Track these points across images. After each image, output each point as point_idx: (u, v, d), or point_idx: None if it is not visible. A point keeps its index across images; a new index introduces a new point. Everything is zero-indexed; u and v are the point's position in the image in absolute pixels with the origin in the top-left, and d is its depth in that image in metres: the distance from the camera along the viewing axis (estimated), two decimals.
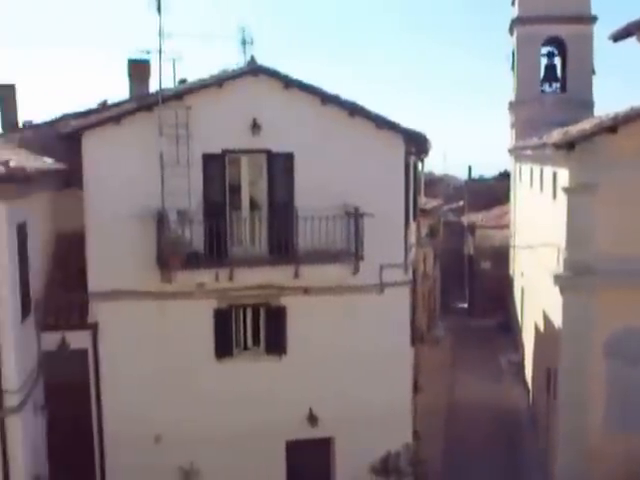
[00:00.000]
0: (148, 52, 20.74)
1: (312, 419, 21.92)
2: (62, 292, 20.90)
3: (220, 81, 20.87)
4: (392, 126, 21.55)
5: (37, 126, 26.25)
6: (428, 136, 22.73)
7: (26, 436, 17.20)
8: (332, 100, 21.26)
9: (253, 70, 20.93)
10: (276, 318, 21.68)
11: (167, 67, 20.91)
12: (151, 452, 21.09)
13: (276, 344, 21.80)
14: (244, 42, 21.81)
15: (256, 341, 21.91)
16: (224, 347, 21.48)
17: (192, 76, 22.93)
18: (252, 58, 21.14)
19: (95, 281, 20.60)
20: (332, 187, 21.12)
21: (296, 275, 20.51)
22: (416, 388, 24.69)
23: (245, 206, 21.20)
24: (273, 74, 20.96)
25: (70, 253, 21.93)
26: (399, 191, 21.99)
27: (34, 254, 19.04)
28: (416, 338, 25.80)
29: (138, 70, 24.46)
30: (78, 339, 20.51)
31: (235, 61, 21.74)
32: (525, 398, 32.92)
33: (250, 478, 21.62)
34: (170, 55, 20.53)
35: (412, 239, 24.51)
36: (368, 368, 22.12)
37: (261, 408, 21.59)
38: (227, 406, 21.46)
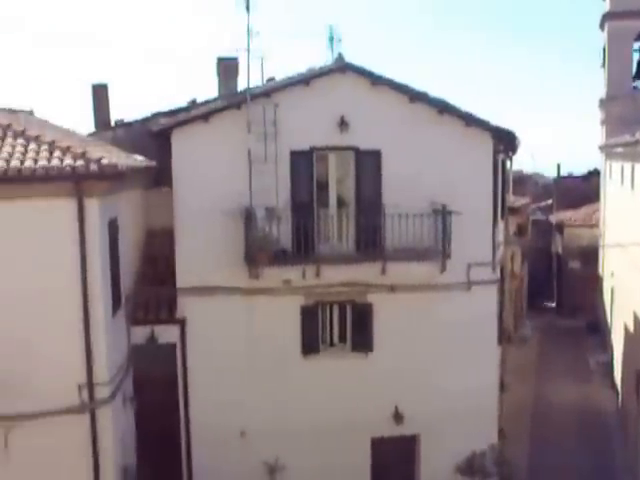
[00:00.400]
0: (237, 50, 20.95)
1: (398, 416, 21.84)
2: (152, 287, 21.26)
3: (308, 79, 20.93)
4: (481, 124, 21.34)
5: (129, 124, 26.76)
6: (517, 133, 22.43)
7: (115, 427, 17.52)
8: (420, 97, 21.14)
9: (341, 67, 20.93)
10: (362, 315, 21.65)
11: (255, 65, 21.04)
12: (237, 446, 21.30)
13: (362, 341, 21.77)
14: (332, 39, 21.86)
15: (342, 338, 21.93)
16: (310, 344, 21.54)
17: (280, 74, 23.06)
18: (340, 55, 21.15)
19: (183, 277, 20.88)
20: (419, 184, 20.99)
21: (383, 272, 20.46)
22: (502, 387, 24.39)
23: (332, 203, 21.23)
24: (361, 71, 20.94)
25: (160, 249, 22.28)
26: (487, 189, 21.75)
27: (125, 250, 19.38)
28: (503, 337, 25.49)
29: (227, 68, 24.69)
30: (167, 333, 20.83)
31: (323, 59, 21.82)
32: (614, 400, 32.25)
33: (335, 474, 21.63)
34: (258, 53, 20.71)
35: (500, 237, 24.21)
36: (454, 366, 21.95)
37: (347, 405, 21.60)
38: (313, 402, 21.52)
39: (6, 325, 16.15)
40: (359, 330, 21.78)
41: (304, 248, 20.32)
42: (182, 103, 25.81)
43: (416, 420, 21.89)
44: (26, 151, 16.49)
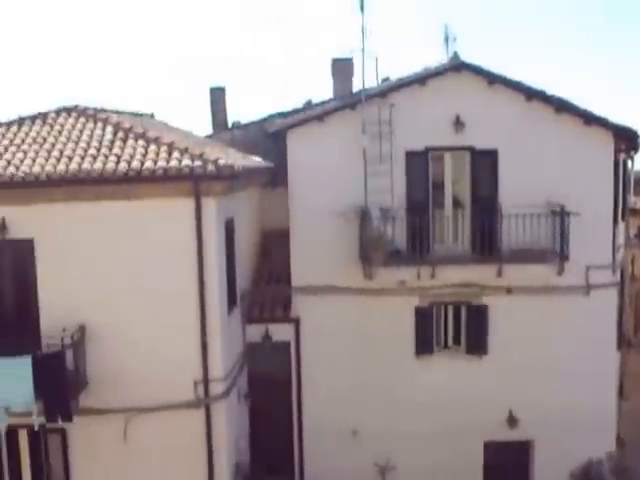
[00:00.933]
0: (351, 51, 21.02)
1: (512, 421, 21.53)
2: (267, 286, 21.53)
3: (423, 78, 20.84)
4: (601, 122, 20.83)
5: (245, 126, 27.11)
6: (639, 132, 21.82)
7: (229, 423, 17.79)
8: (538, 96, 20.79)
9: (456, 67, 20.78)
10: (477, 317, 21.42)
11: (370, 65, 21.10)
12: (348, 446, 21.36)
13: (477, 344, 21.54)
14: (447, 39, 21.73)
15: (456, 340, 21.75)
16: (424, 345, 21.43)
17: (395, 74, 23.03)
18: (455, 54, 21.00)
19: (298, 276, 21.06)
20: (537, 184, 20.64)
21: (499, 274, 20.20)
22: (621, 394, 23.76)
23: (448, 204, 21.09)
24: (476, 70, 20.73)
25: (275, 249, 22.55)
26: (607, 189, 21.22)
27: (241, 249, 19.67)
28: (622, 342, 24.81)
29: (342, 69, 24.79)
30: (281, 332, 21.06)
31: (438, 58, 21.70)
32: None
33: (446, 477, 21.45)
34: (373, 53, 20.76)
35: (620, 239, 23.60)
36: (571, 371, 21.48)
37: (459, 407, 21.41)
38: (425, 404, 21.40)
39: (128, 322, 16.63)
40: (474, 332, 21.57)
41: (419, 249, 20.23)
42: (298, 104, 26.01)
43: (530, 425, 21.53)
44: (146, 152, 16.91)
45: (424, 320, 21.36)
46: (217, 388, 17.06)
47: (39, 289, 16.63)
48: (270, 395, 21.00)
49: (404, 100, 20.64)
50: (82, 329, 16.44)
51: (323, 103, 23.93)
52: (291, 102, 32.44)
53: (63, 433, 17.03)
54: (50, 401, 15.70)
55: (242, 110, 53.12)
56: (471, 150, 20.82)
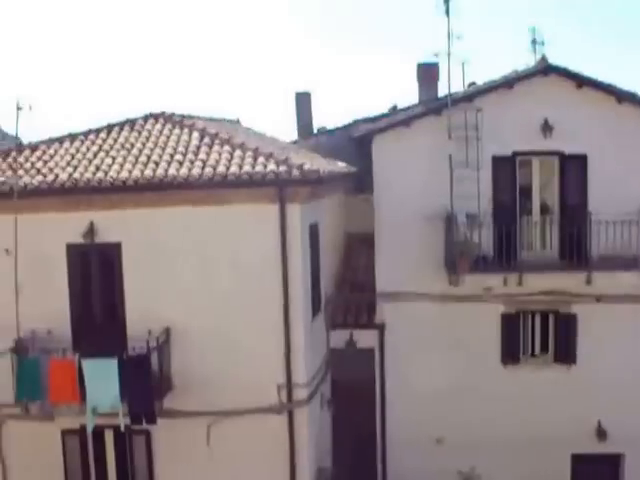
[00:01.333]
0: (437, 55, 20.86)
1: (601, 433, 21.01)
2: (351, 291, 21.48)
3: (510, 82, 20.56)
4: None
5: (330, 131, 27.16)
6: None
7: (312, 428, 17.78)
8: (629, 98, 20.29)
9: (544, 70, 20.43)
10: (566, 326, 20.98)
11: (456, 70, 20.92)
12: (432, 454, 21.08)
13: (565, 353, 21.10)
14: (534, 42, 21.42)
15: (544, 348, 21.32)
16: (511, 353, 21.10)
17: (481, 78, 22.83)
18: (543, 57, 20.69)
19: (383, 282, 20.94)
20: (628, 190, 20.13)
21: (588, 282, 19.72)
22: None
23: (536, 209, 20.73)
24: (565, 73, 20.34)
25: (359, 254, 22.50)
26: None
27: (325, 254, 19.66)
28: None
29: (427, 73, 24.67)
30: (365, 338, 20.96)
31: (525, 61, 21.40)
32: None
33: None
34: (459, 57, 20.57)
35: None
36: None
37: (547, 417, 20.95)
38: (511, 413, 21.03)
39: (212, 325, 16.79)
40: (562, 341, 21.14)
41: (505, 255, 19.92)
42: (383, 109, 25.96)
43: (620, 438, 20.95)
44: (232, 158, 17.05)
45: (510, 328, 21.04)
46: (300, 393, 17.08)
47: (126, 292, 16.92)
48: (353, 401, 20.92)
49: (491, 104, 20.36)
50: (167, 332, 16.65)
51: (409, 108, 23.82)
52: (377, 107, 32.44)
53: (148, 435, 17.26)
54: (135, 403, 15.96)
55: (328, 115, 53.22)
56: (560, 155, 20.43)
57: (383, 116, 24.49)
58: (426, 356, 20.93)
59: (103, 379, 15.84)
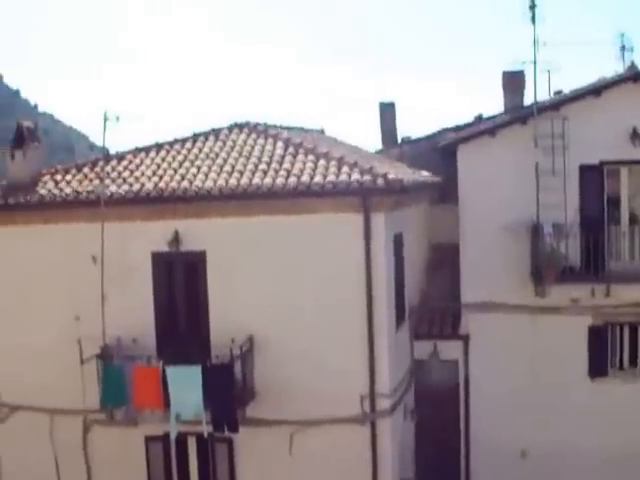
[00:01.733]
0: (523, 63, 20.62)
1: None
2: (435, 302, 21.29)
3: (597, 90, 20.22)
4: None
5: (415, 141, 26.98)
6: None
7: (395, 439, 17.63)
8: None
9: (633, 76, 20.01)
10: None
11: (542, 78, 20.62)
12: (516, 466, 20.74)
13: None
14: (623, 48, 21.00)
15: (633, 361, 20.81)
16: (598, 366, 20.64)
17: (567, 86, 22.45)
18: (632, 64, 20.30)
19: (468, 292, 20.73)
20: None
21: None
22: None
23: (624, 219, 20.31)
24: None
25: (443, 264, 22.27)
26: None
27: (409, 264, 19.52)
28: None
29: (513, 82, 24.28)
30: (449, 349, 20.77)
31: (614, 68, 21.00)
32: None
33: None
34: (545, 65, 20.33)
35: None
36: None
37: (634, 432, 20.40)
38: (598, 427, 20.53)
39: (295, 334, 16.81)
40: None
41: (593, 266, 19.57)
42: (468, 119, 25.69)
43: None
44: (316, 167, 17.07)
45: (598, 340, 20.59)
46: (383, 404, 16.97)
47: (210, 300, 17.04)
48: (437, 412, 20.72)
49: (578, 113, 20.04)
50: (250, 340, 16.71)
51: (494, 117, 23.53)
52: (461, 117, 32.11)
53: (230, 442, 17.33)
54: (218, 411, 16.09)
55: (412, 125, 53.15)
56: None
57: (468, 125, 24.23)
58: (511, 368, 20.65)
59: (187, 387, 15.98)
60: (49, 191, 17.94)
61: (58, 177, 18.62)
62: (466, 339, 20.80)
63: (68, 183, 18.21)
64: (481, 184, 20.38)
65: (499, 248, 20.31)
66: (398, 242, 18.05)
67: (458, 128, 24.42)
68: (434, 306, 21.26)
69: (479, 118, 25.62)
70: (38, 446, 18.19)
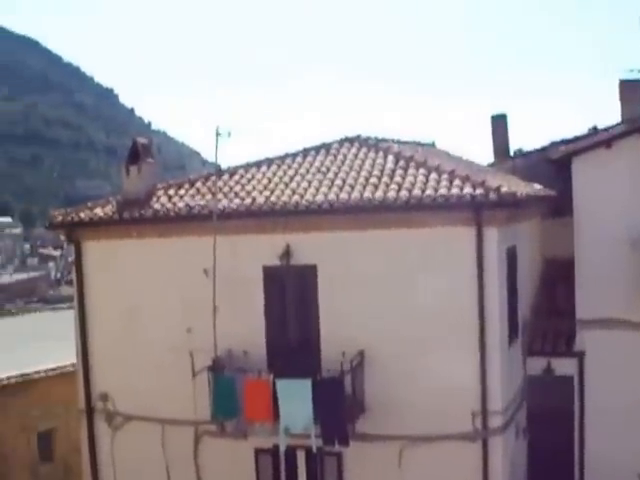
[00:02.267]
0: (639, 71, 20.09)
1: None
2: (549, 318, 20.84)
3: None
4: None
5: (527, 153, 26.57)
6: None
7: (506, 458, 17.25)
8: None
9: None
10: None
11: None
12: None
13: None
14: None
15: None
16: None
17: None
18: None
19: (583, 308, 20.21)
20: None
21: None
22: None
23: None
24: None
25: (557, 279, 21.79)
26: None
27: (522, 278, 19.15)
28: None
29: (629, 91, 23.68)
30: (564, 366, 20.28)
31: None
32: None
33: None
34: None
35: None
36: None
37: None
38: None
39: (406, 349, 16.67)
40: None
41: None
42: (582, 130, 25.20)
43: None
44: (427, 180, 16.93)
45: None
46: (495, 421, 16.66)
47: (320, 314, 17.05)
48: (550, 431, 20.20)
49: None
50: (361, 355, 16.64)
51: (611, 128, 22.96)
52: (575, 128, 31.45)
53: (339, 457, 17.26)
54: (328, 425, 16.03)
55: (524, 137, 52.40)
56: None
57: (583, 137, 23.70)
58: (628, 386, 19.98)
59: (297, 400, 16.00)
60: (163, 205, 18.29)
61: (171, 192, 18.96)
62: (581, 356, 20.26)
63: (181, 198, 18.53)
64: (597, 197, 19.88)
65: (615, 262, 19.75)
66: (511, 256, 17.72)
67: (572, 140, 23.93)
68: (548, 322, 20.79)
69: (594, 129, 25.09)
70: (150, 455, 18.51)
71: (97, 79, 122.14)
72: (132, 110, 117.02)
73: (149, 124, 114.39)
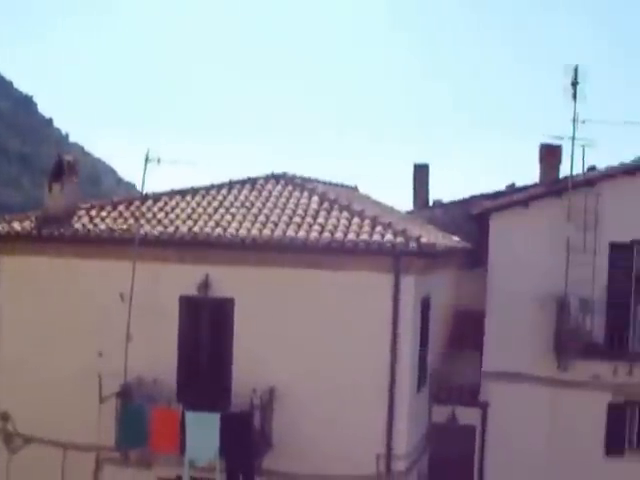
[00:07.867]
0: (561, 138, 20.79)
1: None
2: (457, 367, 21.21)
3: (633, 169, 20.38)
4: None
5: (446, 205, 27.09)
6: None
7: None
8: None
9: None
10: None
11: (576, 152, 20.80)
12: None
13: None
14: None
15: None
16: (615, 444, 20.46)
17: (601, 163, 22.62)
18: None
19: (489, 361, 20.68)
20: None
21: None
22: None
23: None
24: None
25: (468, 330, 22.21)
26: None
27: (434, 328, 19.50)
28: None
29: (550, 155, 24.44)
30: (467, 415, 20.65)
31: None
32: None
33: None
34: (583, 141, 20.50)
35: None
36: None
37: None
38: None
39: (317, 388, 16.76)
40: None
41: (617, 344, 19.51)
42: (500, 186, 25.84)
43: None
44: (350, 224, 17.15)
45: (617, 418, 20.47)
46: (399, 465, 16.85)
47: (234, 347, 17.05)
48: (450, 478, 20.50)
49: (612, 190, 20.13)
50: (271, 391, 16.67)
51: (526, 187, 23.62)
52: (494, 184, 32.12)
53: None
54: (234, 460, 16.00)
55: (443, 188, 53.25)
56: None
57: (500, 193, 24.34)
58: (528, 439, 20.50)
59: (204, 433, 15.94)
60: (84, 226, 18.08)
61: (93, 213, 18.75)
62: (484, 407, 20.68)
63: (103, 219, 18.34)
64: (511, 253, 20.44)
65: (524, 318, 20.29)
66: (425, 305, 18.06)
67: (491, 195, 24.53)
68: (455, 371, 21.17)
69: (512, 187, 25.75)
70: None
71: (16, 85, 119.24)
72: (50, 120, 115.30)
73: (67, 136, 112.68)
